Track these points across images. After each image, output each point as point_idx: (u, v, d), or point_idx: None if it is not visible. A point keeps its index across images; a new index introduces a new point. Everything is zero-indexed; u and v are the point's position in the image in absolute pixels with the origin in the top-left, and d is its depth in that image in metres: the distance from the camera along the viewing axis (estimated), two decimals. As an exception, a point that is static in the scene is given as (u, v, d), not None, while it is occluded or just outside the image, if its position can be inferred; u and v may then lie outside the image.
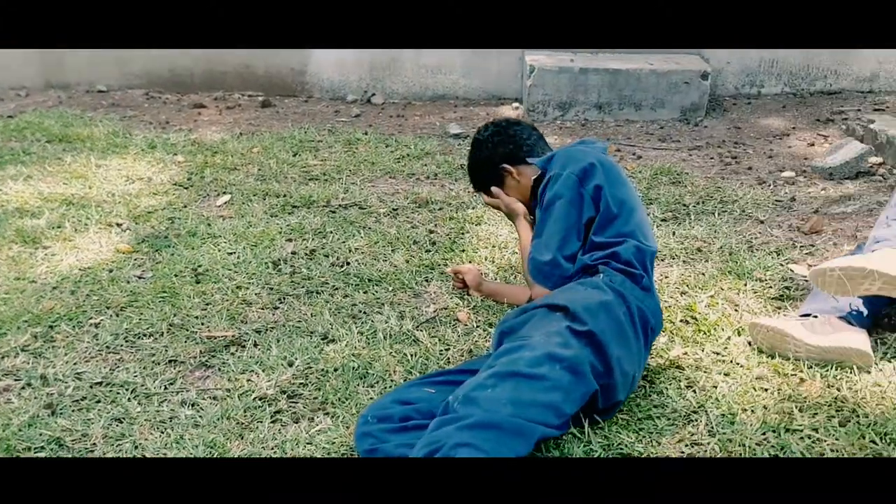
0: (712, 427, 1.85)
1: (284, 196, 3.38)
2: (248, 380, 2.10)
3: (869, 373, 2.05)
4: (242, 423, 1.93)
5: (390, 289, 2.57)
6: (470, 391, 1.65)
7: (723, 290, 2.52)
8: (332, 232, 3.00)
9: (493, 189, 2.25)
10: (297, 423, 1.93)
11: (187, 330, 2.35)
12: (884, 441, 1.78)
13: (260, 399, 2.02)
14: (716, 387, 2.02)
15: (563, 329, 1.77)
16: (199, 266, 2.73)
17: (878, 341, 2.20)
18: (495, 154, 2.24)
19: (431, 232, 3.02)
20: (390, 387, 2.03)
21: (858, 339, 2.09)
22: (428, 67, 5.17)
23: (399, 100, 5.21)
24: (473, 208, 3.26)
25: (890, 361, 2.10)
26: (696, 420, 1.88)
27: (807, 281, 2.54)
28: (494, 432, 1.57)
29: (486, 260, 2.79)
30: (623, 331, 1.86)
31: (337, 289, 2.58)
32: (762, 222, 3.08)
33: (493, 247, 2.89)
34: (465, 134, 4.35)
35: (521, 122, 2.32)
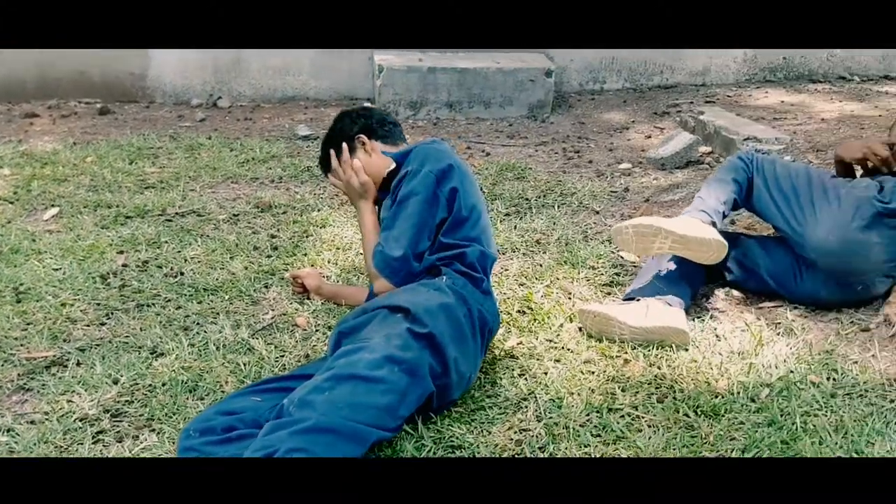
0: (540, 412, 1.91)
1: (117, 207, 3.21)
2: (69, 401, 1.98)
3: (687, 350, 2.17)
4: (61, 447, 1.82)
5: (226, 297, 2.49)
6: (306, 394, 1.62)
7: (558, 279, 2.60)
8: (167, 242, 2.88)
9: (355, 163, 2.15)
10: (120, 442, 1.84)
11: (4, 352, 2.19)
12: (696, 414, 1.89)
13: (81, 420, 1.91)
14: (546, 373, 2.08)
15: (404, 331, 1.77)
16: (21, 284, 2.56)
17: (696, 319, 2.33)
18: (354, 124, 2.21)
19: (273, 237, 2.95)
20: (221, 398, 1.96)
21: (677, 319, 2.21)
22: (275, 68, 5.07)
23: (247, 102, 5.08)
24: (318, 210, 3.22)
25: (707, 338, 2.24)
26: (526, 407, 1.93)
27: (636, 266, 2.66)
28: (329, 437, 1.55)
29: (329, 262, 2.76)
30: (462, 333, 1.89)
31: (169, 301, 2.48)
32: (598, 213, 3.20)
33: (338, 249, 2.87)
34: (314, 136, 4.29)
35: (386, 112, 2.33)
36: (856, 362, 2.09)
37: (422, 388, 1.75)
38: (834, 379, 2.01)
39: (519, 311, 2.40)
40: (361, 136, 2.19)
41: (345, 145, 2.18)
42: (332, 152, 2.20)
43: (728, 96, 5.27)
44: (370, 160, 2.18)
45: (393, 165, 2.13)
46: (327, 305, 2.44)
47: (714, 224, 2.33)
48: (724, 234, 2.38)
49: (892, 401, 1.91)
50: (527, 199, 3.36)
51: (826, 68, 5.84)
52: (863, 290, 2.32)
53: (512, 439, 1.82)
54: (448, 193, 2.03)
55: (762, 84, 5.64)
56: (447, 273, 2.00)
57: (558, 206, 3.27)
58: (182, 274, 2.65)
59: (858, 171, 2.49)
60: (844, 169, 2.49)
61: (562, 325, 2.32)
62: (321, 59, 5.08)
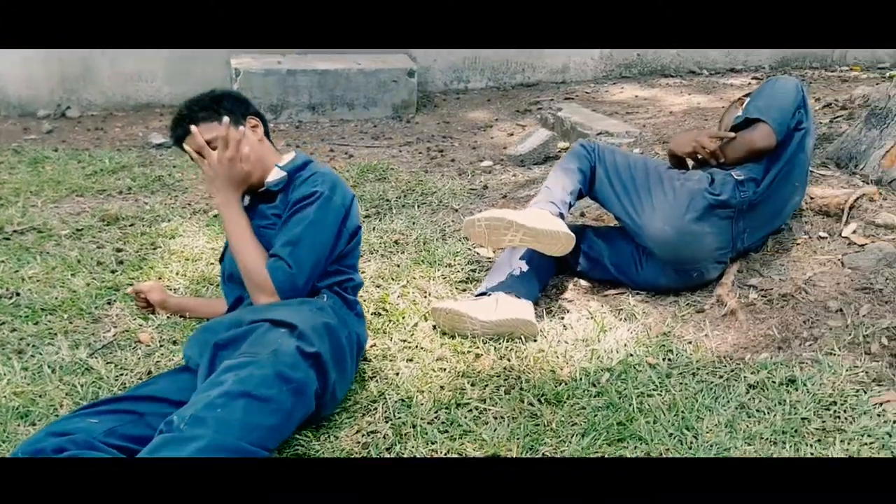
0: (390, 413, 1.90)
1: (-53, 227, 3.00)
2: None
3: (535, 341, 2.22)
4: None
5: (66, 317, 2.36)
6: (199, 411, 1.54)
7: (415, 279, 2.61)
8: (3, 261, 2.71)
9: (243, 145, 1.92)
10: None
11: None
12: (540, 402, 1.93)
13: None
14: (398, 374, 2.08)
15: (294, 349, 1.71)
16: None
17: (545, 310, 2.39)
18: (243, 104, 2.06)
19: (119, 251, 2.83)
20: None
21: (525, 311, 2.26)
22: (127, 75, 4.87)
23: (98, 111, 4.85)
24: (168, 221, 3.11)
25: (554, 328, 2.30)
26: (375, 409, 1.92)
27: (490, 262, 2.70)
28: (223, 456, 1.50)
29: (177, 274, 2.67)
30: (343, 355, 1.86)
31: (3, 323, 2.33)
32: (457, 211, 3.24)
33: (187, 260, 2.77)
34: (168, 143, 4.14)
35: None
36: (690, 342, 2.19)
37: (306, 408, 1.72)
38: (669, 360, 2.11)
39: (374, 314, 2.40)
40: (255, 118, 2.06)
41: (226, 119, 1.92)
42: (204, 126, 1.93)
43: (586, 93, 5.45)
44: (260, 150, 2.02)
45: (283, 174, 2.02)
46: (174, 319, 2.36)
47: (562, 215, 2.39)
48: (572, 226, 2.45)
49: (720, 376, 2.02)
50: (387, 200, 3.36)
51: (677, 63, 6.14)
52: (698, 277, 2.45)
53: (359, 443, 1.81)
54: (353, 229, 2.03)
55: (618, 80, 5.87)
56: (328, 294, 1.97)
57: (418, 206, 3.29)
58: (18, 294, 2.49)
59: (691, 164, 2.62)
60: (677, 162, 2.61)
61: (416, 325, 2.33)
62: (175, 64, 4.92)
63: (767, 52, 6.29)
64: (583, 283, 2.58)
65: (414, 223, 3.09)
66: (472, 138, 4.54)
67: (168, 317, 2.36)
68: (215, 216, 3.18)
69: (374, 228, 3.04)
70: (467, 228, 2.37)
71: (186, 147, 1.99)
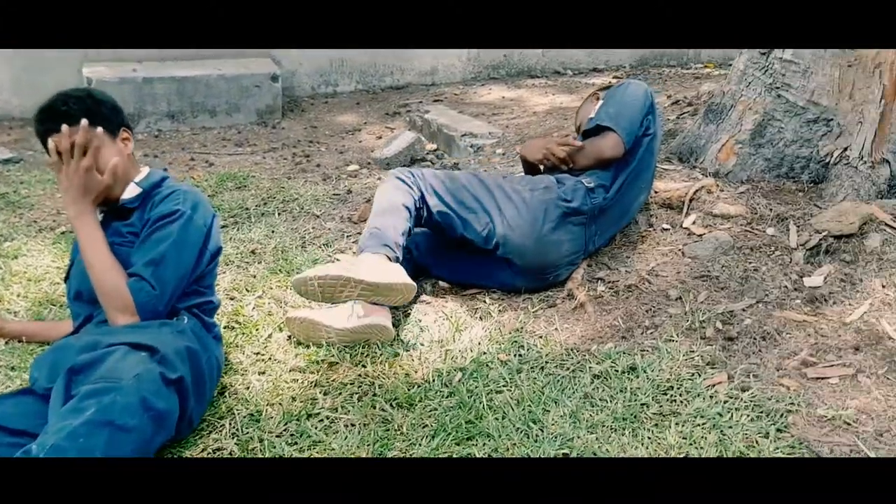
0: (237, 429, 1.86)
1: None
2: None
3: (391, 345, 2.22)
4: None
5: None
6: (61, 440, 1.44)
7: (272, 289, 2.57)
8: None
9: (113, 156, 1.86)
10: None
11: None
12: (392, 406, 1.94)
13: None
14: (248, 388, 2.03)
15: (156, 375, 1.63)
16: None
17: (402, 313, 2.40)
18: (118, 113, 1.95)
19: (-49, 275, 2.65)
20: None
21: (380, 316, 2.25)
22: (-33, 87, 4.57)
23: (-65, 126, 4.54)
24: (11, 241, 2.93)
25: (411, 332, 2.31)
26: (223, 426, 1.87)
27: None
28: None
29: (18, 296, 2.52)
30: (202, 380, 1.82)
31: None
32: (318, 217, 3.21)
33: (29, 280, 2.62)
34: (16, 158, 3.91)
35: None
36: (541, 337, 2.25)
37: (164, 436, 1.67)
38: (520, 355, 2.16)
39: (227, 327, 2.33)
40: (127, 130, 1.96)
41: (101, 129, 1.85)
42: (69, 128, 1.81)
43: (455, 94, 5.52)
44: (127, 165, 1.94)
45: (139, 190, 1.93)
46: (12, 344, 2.22)
47: (398, 259, 2.30)
48: (422, 233, 2.46)
49: (567, 369, 2.08)
50: (246, 209, 3.28)
51: (543, 64, 6.31)
52: (554, 279, 2.51)
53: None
54: (214, 250, 1.98)
55: (487, 81, 5.97)
56: (187, 316, 1.91)
57: (279, 214, 3.23)
58: None
59: (542, 168, 2.68)
60: (529, 167, 2.67)
61: (270, 336, 2.29)
62: (23, 74, 4.65)
63: (628, 51, 6.55)
64: (442, 283, 2.60)
65: (273, 231, 3.04)
66: (339, 142, 4.51)
67: (7, 342, 2.22)
68: (63, 233, 3.03)
69: (231, 239, 2.97)
70: (298, 287, 2.23)
71: (50, 144, 1.85)
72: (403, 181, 2.42)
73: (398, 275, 2.22)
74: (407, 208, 2.36)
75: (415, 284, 2.24)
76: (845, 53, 2.71)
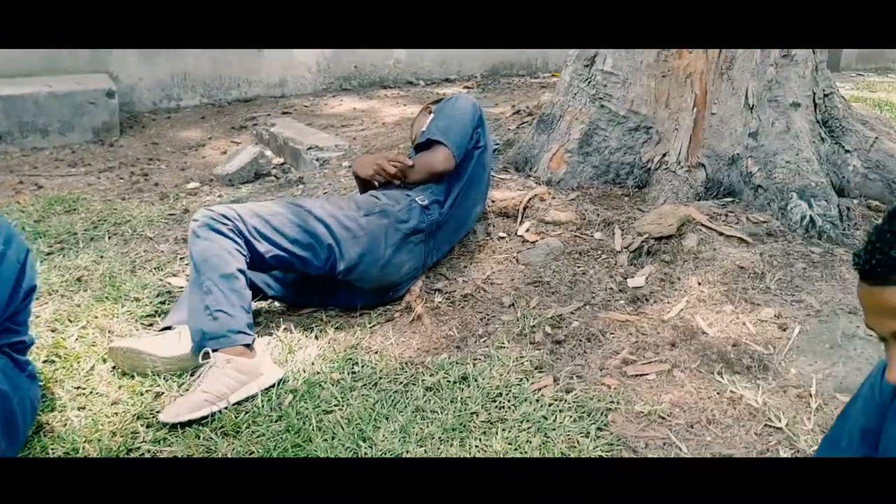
0: (48, 473, 1.75)
1: None
2: None
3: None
4: None
5: None
6: None
7: (97, 318, 2.44)
8: None
9: None
10: None
11: None
12: (218, 436, 1.88)
13: None
14: (66, 425, 1.92)
15: None
16: None
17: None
18: None
19: None
20: None
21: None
22: None
23: None
24: None
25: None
26: (32, 470, 1.76)
27: (182, 291, 2.59)
28: None
29: None
30: (15, 423, 1.71)
31: None
32: (151, 239, 3.08)
33: None
34: None
35: None
36: (377, 352, 2.25)
37: None
38: (354, 373, 2.14)
39: (46, 361, 2.19)
40: None
41: None
42: None
43: (305, 106, 5.45)
44: None
45: None
46: None
47: (254, 339, 2.15)
48: (255, 259, 2.31)
49: (400, 383, 2.09)
50: (74, 234, 3.11)
51: (395, 74, 6.34)
52: (394, 294, 2.52)
53: (10, 511, 1.64)
54: (28, 288, 1.83)
55: (338, 92, 5.94)
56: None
57: (109, 237, 3.08)
58: None
59: (377, 184, 2.67)
60: (363, 184, 2.67)
61: (93, 368, 2.17)
62: None
63: (479, 61, 6.70)
64: (277, 304, 2.55)
65: (102, 257, 2.89)
66: (181, 159, 4.36)
67: None
68: None
69: (56, 266, 2.80)
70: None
71: None
72: (219, 231, 2.16)
73: (267, 368, 2.10)
74: (241, 271, 2.16)
75: (281, 370, 2.14)
76: (660, 64, 2.88)
